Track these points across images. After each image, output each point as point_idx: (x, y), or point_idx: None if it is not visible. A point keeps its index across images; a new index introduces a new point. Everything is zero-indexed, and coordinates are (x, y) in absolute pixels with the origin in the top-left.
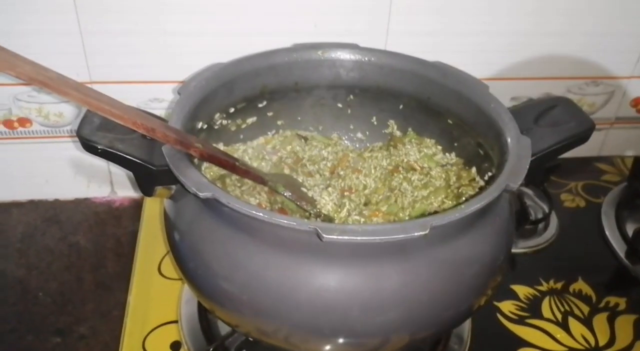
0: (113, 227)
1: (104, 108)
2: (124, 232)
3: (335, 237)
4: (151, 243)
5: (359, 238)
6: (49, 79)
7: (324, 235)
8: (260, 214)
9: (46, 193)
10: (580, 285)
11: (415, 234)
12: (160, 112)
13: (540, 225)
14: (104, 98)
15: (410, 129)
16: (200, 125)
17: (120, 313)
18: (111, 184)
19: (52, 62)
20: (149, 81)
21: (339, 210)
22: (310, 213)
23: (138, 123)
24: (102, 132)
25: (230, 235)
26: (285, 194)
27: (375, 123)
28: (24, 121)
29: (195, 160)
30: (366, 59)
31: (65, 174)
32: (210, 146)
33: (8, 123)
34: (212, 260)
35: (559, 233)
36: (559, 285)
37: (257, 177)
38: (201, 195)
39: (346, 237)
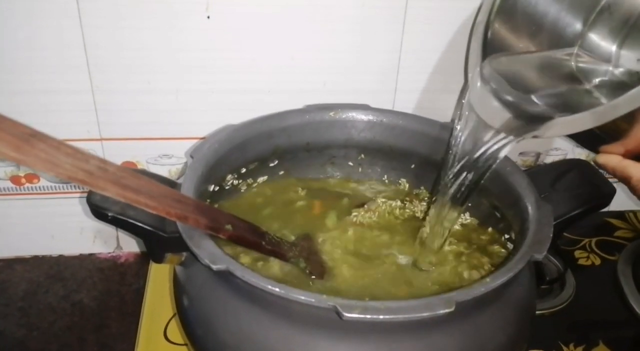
0: (117, 284)
1: (140, 201)
2: (129, 289)
3: (356, 315)
4: (157, 306)
5: (381, 316)
6: (88, 175)
7: (345, 314)
8: (277, 289)
9: (51, 248)
10: (602, 350)
11: (440, 312)
12: (170, 168)
13: (556, 285)
14: (141, 188)
15: (422, 188)
16: (212, 187)
17: None
18: (117, 239)
19: (64, 120)
20: (159, 138)
21: None
22: None
23: (171, 213)
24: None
25: (241, 306)
26: (306, 271)
27: (386, 181)
28: (31, 177)
29: None
30: (378, 119)
31: (71, 229)
32: (239, 225)
33: (15, 179)
34: (221, 329)
35: (576, 292)
36: (579, 350)
37: (281, 256)
38: (214, 267)
39: (368, 316)
